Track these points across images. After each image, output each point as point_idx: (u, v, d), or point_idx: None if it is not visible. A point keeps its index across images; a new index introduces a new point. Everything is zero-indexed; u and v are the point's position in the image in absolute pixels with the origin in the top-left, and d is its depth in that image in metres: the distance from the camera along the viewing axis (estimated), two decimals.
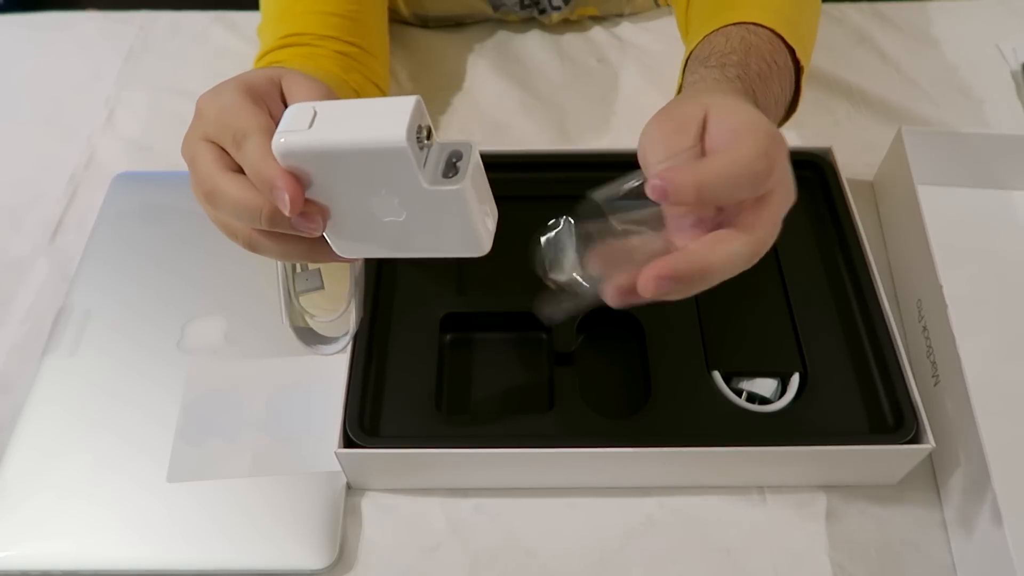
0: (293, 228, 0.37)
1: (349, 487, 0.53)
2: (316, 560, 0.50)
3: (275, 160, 0.36)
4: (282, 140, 0.35)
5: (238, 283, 0.61)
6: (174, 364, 0.57)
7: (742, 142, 0.38)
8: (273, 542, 0.50)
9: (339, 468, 0.51)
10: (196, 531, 0.51)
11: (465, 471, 0.53)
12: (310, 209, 0.37)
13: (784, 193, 0.40)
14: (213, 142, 0.39)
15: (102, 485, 0.52)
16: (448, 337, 0.58)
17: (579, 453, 0.50)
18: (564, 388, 0.53)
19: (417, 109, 0.34)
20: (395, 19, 0.81)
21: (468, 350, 0.57)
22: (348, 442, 0.50)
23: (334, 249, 0.40)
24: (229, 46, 0.82)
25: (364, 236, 0.39)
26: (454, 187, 0.35)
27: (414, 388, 0.53)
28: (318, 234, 0.38)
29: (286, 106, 0.39)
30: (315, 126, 0.35)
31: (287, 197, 0.35)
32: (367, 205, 0.37)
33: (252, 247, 0.40)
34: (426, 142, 0.35)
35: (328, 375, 0.55)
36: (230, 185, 0.38)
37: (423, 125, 0.35)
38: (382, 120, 0.34)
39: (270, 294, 0.61)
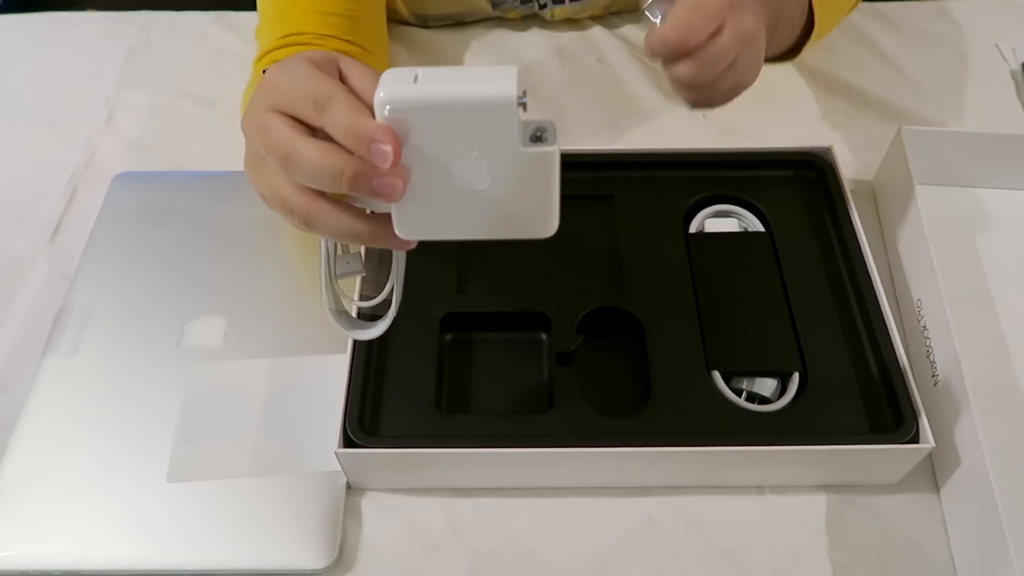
0: (373, 191, 0.37)
1: (349, 487, 0.53)
2: (316, 560, 0.50)
3: (369, 116, 0.36)
4: (382, 94, 0.36)
5: (238, 283, 0.62)
6: (174, 364, 0.57)
7: None
8: (273, 542, 0.50)
9: (339, 468, 0.51)
10: (196, 531, 0.51)
11: (465, 471, 0.53)
12: (396, 170, 0.37)
13: None
14: (283, 112, 0.39)
15: (102, 485, 0.52)
16: (448, 337, 0.58)
17: (579, 453, 0.50)
18: (564, 388, 0.53)
19: (518, 76, 0.36)
20: (394, 19, 0.81)
21: (468, 350, 0.57)
22: (348, 442, 0.50)
23: (396, 229, 0.40)
24: (229, 46, 0.82)
25: (434, 211, 0.40)
26: (548, 149, 0.37)
27: (414, 388, 0.53)
28: (398, 198, 0.38)
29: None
30: (419, 83, 0.36)
31: (388, 148, 0.36)
32: (452, 170, 0.38)
33: (309, 222, 0.40)
34: (523, 106, 0.36)
35: (328, 375, 0.55)
36: (309, 147, 0.37)
37: (523, 91, 0.36)
38: (488, 81, 0.36)
39: (270, 294, 0.61)
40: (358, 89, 0.39)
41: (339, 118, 0.37)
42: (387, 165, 0.36)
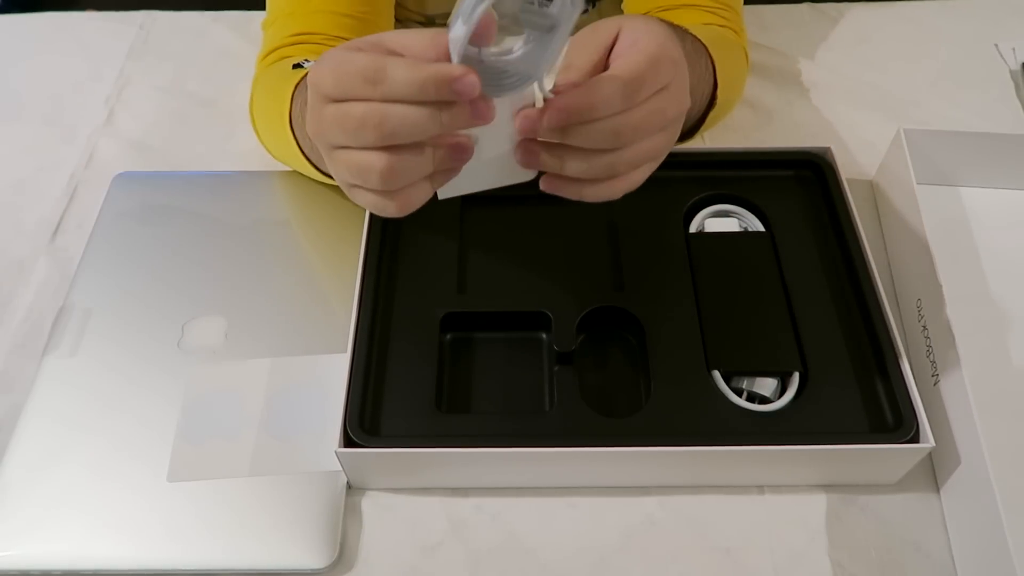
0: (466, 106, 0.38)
1: (349, 487, 0.53)
2: (316, 560, 0.50)
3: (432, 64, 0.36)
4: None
5: (238, 283, 0.62)
6: (174, 364, 0.57)
7: (632, 52, 0.40)
8: (273, 542, 0.50)
9: (339, 468, 0.51)
10: (196, 531, 0.51)
11: (465, 471, 0.53)
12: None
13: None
14: (335, 100, 0.38)
15: (102, 485, 0.52)
16: (448, 337, 0.58)
17: (579, 453, 0.50)
18: (564, 388, 0.53)
19: None
20: (400, 17, 0.82)
21: (468, 350, 0.57)
22: (348, 441, 0.50)
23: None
24: (229, 46, 0.82)
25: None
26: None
27: (414, 388, 0.53)
28: (491, 117, 0.38)
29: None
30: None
31: (473, 78, 0.36)
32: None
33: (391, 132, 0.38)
34: None
35: (328, 375, 0.55)
36: (397, 65, 0.37)
37: None
38: None
39: (270, 294, 0.61)
40: (415, 51, 0.38)
41: (403, 78, 0.36)
42: (476, 93, 0.36)
